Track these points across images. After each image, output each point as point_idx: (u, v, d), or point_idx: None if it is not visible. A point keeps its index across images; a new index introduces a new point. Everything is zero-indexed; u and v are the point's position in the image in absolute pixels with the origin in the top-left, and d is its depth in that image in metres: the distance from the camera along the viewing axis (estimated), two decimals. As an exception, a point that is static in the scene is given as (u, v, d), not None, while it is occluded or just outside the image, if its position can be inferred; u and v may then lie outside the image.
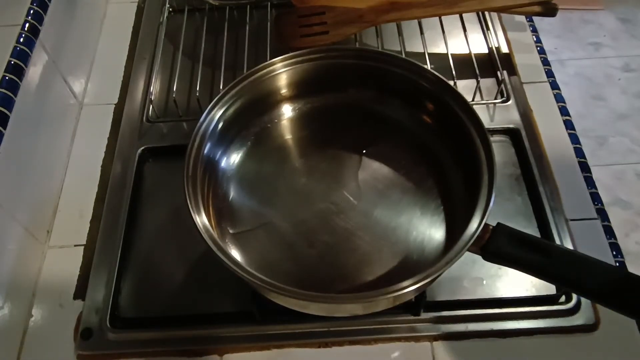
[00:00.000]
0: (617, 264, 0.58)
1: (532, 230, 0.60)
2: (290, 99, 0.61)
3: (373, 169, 0.58)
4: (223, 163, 0.57)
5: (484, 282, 0.57)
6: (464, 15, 0.76)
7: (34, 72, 0.61)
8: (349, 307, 0.48)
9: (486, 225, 0.46)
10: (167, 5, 0.81)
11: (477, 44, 0.76)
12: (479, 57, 0.73)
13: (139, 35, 0.80)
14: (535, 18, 0.80)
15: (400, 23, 0.76)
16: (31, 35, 0.59)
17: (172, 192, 0.63)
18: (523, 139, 0.67)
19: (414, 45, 0.75)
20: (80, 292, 0.58)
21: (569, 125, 0.69)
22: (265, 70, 0.57)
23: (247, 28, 0.77)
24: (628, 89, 1.77)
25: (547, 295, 0.55)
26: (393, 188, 0.57)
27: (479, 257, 0.47)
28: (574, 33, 1.91)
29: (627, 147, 1.64)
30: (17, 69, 0.56)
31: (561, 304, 0.55)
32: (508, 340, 0.54)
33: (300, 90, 0.60)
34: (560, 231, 0.59)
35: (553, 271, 0.45)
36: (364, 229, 0.54)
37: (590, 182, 0.64)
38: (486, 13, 0.79)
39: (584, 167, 0.65)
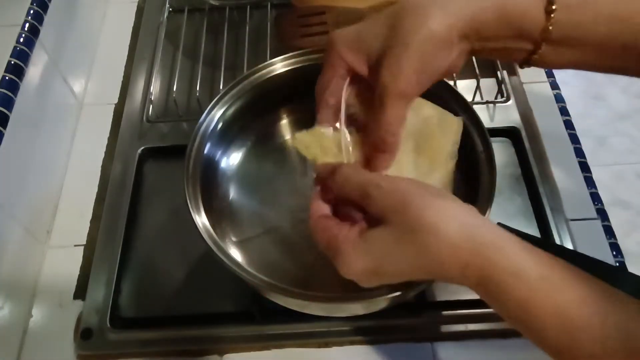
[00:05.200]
0: (617, 264, 0.58)
1: (532, 230, 0.60)
2: (291, 98, 0.61)
3: (373, 169, 0.58)
4: (223, 163, 0.57)
5: (484, 282, 0.57)
6: (464, 15, 0.76)
7: (34, 72, 0.61)
8: (349, 307, 0.48)
9: (486, 225, 0.46)
10: (167, 5, 0.81)
11: (477, 44, 0.76)
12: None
13: (139, 35, 0.80)
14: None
15: (400, 23, 0.76)
16: (31, 35, 0.59)
17: (172, 192, 0.63)
18: (523, 139, 0.67)
19: (414, 45, 0.75)
20: (80, 292, 0.58)
21: (569, 125, 0.69)
22: (265, 70, 0.57)
23: (247, 28, 0.77)
24: (628, 89, 1.77)
25: (547, 295, 0.55)
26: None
27: (479, 257, 0.47)
28: (574, 33, 1.91)
29: (627, 147, 1.64)
30: (17, 69, 0.56)
31: (561, 304, 0.55)
32: (508, 341, 0.54)
33: (301, 90, 0.60)
34: (560, 231, 0.59)
35: (553, 271, 0.45)
36: (364, 229, 0.54)
37: (590, 182, 0.64)
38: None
39: (584, 167, 0.65)
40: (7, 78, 0.54)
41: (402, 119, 0.39)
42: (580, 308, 0.30)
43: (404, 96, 0.38)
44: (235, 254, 0.52)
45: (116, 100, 0.73)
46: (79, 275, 0.59)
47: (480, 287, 0.33)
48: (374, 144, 0.40)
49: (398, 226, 0.33)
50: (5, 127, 0.53)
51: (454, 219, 0.32)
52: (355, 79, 0.42)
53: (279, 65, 0.58)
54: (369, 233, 0.34)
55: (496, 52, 0.39)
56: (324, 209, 0.40)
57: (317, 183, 0.41)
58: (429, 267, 0.33)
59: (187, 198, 0.48)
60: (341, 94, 0.42)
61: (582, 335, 0.30)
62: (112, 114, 0.72)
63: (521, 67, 0.40)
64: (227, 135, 0.57)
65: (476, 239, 0.32)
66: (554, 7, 0.35)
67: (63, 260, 0.60)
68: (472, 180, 0.50)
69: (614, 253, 0.59)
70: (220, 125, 0.55)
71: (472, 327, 0.54)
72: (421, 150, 0.43)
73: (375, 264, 0.34)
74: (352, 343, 0.54)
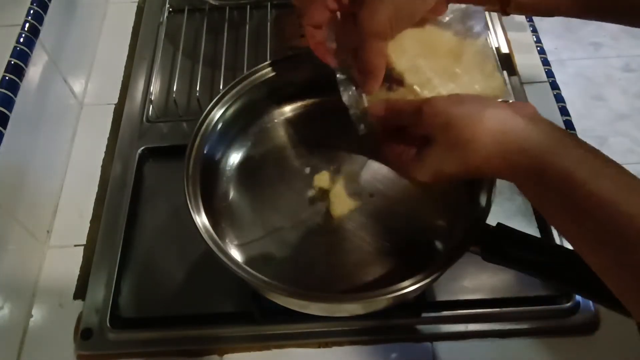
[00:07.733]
0: (617, 264, 0.58)
1: (532, 230, 0.60)
2: (291, 98, 0.61)
3: (374, 169, 0.58)
4: (223, 163, 0.57)
5: (484, 282, 0.57)
6: (464, 15, 0.76)
7: (34, 72, 0.61)
8: (349, 307, 0.48)
9: (486, 225, 0.46)
10: (167, 5, 0.81)
11: (477, 44, 0.76)
12: (479, 57, 0.73)
13: (139, 35, 0.80)
14: (535, 18, 0.80)
15: (400, 23, 0.76)
16: (31, 35, 0.59)
17: (172, 192, 0.63)
18: (523, 139, 0.66)
19: (414, 45, 0.75)
20: (80, 292, 0.58)
21: (569, 125, 0.69)
22: (265, 70, 0.57)
23: (247, 28, 0.77)
24: (628, 89, 1.77)
25: (547, 295, 0.55)
26: (393, 188, 0.57)
27: (479, 257, 0.47)
28: (574, 33, 1.90)
29: (627, 147, 1.64)
30: (17, 69, 0.56)
31: (561, 304, 0.55)
32: (508, 341, 0.54)
33: (301, 90, 0.60)
34: (560, 231, 0.59)
35: (553, 271, 0.45)
36: (364, 229, 0.54)
37: (590, 182, 0.64)
38: (486, 12, 0.79)
39: (584, 167, 0.65)
40: (7, 78, 0.54)
41: (379, 52, 0.44)
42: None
43: (379, 36, 0.43)
44: (235, 254, 0.52)
45: (116, 100, 0.74)
46: (79, 275, 0.59)
47: (516, 182, 0.39)
48: (360, 70, 0.46)
49: (444, 144, 0.40)
50: (5, 127, 0.53)
51: (487, 132, 0.38)
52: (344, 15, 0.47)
53: (279, 65, 0.58)
54: (424, 152, 0.42)
55: (473, 0, 0.44)
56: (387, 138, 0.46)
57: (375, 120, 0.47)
58: (473, 172, 0.41)
59: (187, 198, 0.48)
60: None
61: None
62: (112, 114, 0.72)
63: (503, 14, 0.46)
64: (227, 135, 0.57)
65: (504, 148, 0.38)
66: None
67: (63, 260, 0.60)
68: (472, 180, 0.50)
69: (614, 253, 0.59)
70: (220, 125, 0.55)
71: (472, 327, 0.54)
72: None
73: (434, 175, 0.42)
74: (352, 343, 0.54)
